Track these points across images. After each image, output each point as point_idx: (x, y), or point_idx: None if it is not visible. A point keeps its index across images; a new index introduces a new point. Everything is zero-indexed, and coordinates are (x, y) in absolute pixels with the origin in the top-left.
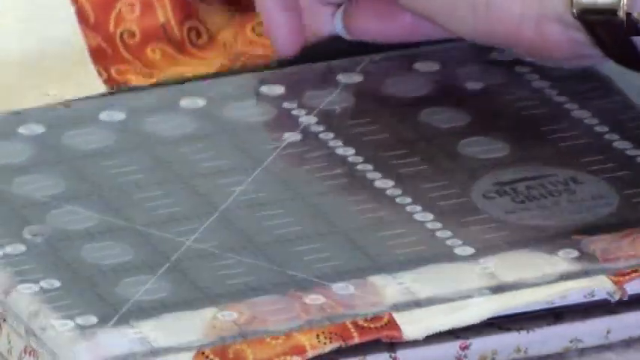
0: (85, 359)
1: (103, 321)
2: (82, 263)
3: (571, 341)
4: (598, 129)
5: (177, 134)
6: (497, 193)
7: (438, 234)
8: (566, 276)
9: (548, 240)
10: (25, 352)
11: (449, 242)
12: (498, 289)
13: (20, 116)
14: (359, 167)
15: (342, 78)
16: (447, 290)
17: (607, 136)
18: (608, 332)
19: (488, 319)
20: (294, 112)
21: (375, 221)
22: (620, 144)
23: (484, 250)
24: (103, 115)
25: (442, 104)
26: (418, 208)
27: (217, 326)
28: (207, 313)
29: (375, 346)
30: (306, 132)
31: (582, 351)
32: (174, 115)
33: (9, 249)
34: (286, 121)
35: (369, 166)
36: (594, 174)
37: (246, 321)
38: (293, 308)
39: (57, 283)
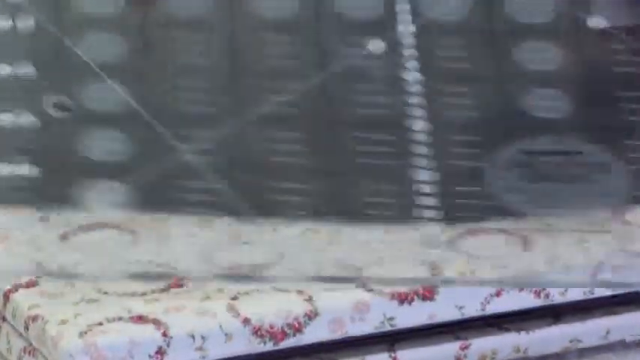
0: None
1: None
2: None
3: (570, 341)
4: None
5: (270, 17)
6: None
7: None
8: None
9: None
10: (24, 352)
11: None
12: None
13: None
14: (412, 100)
15: None
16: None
17: None
18: (607, 332)
19: (488, 319)
20: (400, 16)
21: (373, 168)
22: None
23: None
24: None
25: None
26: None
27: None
28: None
29: (374, 345)
30: (393, 44)
31: (581, 351)
32: None
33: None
34: (383, 25)
35: (417, 108)
36: None
37: None
38: None
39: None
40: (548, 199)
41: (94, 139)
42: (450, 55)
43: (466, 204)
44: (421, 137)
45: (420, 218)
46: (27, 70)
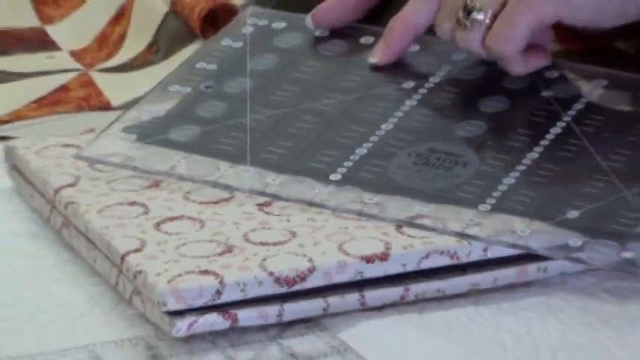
0: (170, 300)
1: None
2: None
3: (472, 285)
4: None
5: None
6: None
7: None
8: None
9: None
10: (133, 293)
11: None
12: None
13: None
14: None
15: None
16: None
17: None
18: (495, 279)
19: (421, 272)
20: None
21: None
22: None
23: None
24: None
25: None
26: None
27: None
28: None
29: (350, 288)
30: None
31: (479, 292)
32: None
33: None
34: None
35: None
36: None
37: None
38: None
39: None
40: None
41: None
42: None
43: None
44: None
45: None
46: None
